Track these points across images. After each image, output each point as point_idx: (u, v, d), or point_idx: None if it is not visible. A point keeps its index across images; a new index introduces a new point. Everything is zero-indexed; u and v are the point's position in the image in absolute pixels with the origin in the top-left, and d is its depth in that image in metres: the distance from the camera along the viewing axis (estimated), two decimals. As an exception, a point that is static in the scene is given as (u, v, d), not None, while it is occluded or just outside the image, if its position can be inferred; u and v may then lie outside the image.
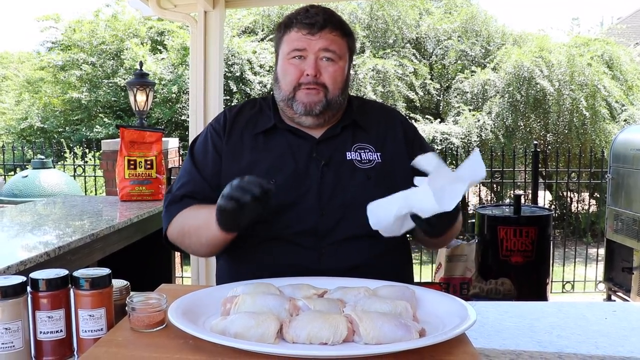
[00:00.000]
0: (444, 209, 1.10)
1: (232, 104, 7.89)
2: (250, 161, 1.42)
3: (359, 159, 1.42)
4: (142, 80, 4.39)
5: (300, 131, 1.45)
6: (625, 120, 8.04)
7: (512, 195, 5.14)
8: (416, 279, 4.58)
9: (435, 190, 1.10)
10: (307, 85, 1.38)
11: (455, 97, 8.91)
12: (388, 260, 1.35)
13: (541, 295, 4.23)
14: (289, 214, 1.32)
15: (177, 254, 4.24)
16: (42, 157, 5.39)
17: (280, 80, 1.43)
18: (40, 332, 1.00)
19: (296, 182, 1.38)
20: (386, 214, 1.17)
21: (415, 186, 1.15)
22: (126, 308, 1.03)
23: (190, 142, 1.62)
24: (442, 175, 1.12)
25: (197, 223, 1.35)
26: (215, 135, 1.48)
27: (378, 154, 1.44)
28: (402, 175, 1.43)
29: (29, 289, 1.00)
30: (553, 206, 8.11)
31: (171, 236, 1.45)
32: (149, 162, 3.18)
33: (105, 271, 1.05)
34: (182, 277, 5.22)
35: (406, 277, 1.34)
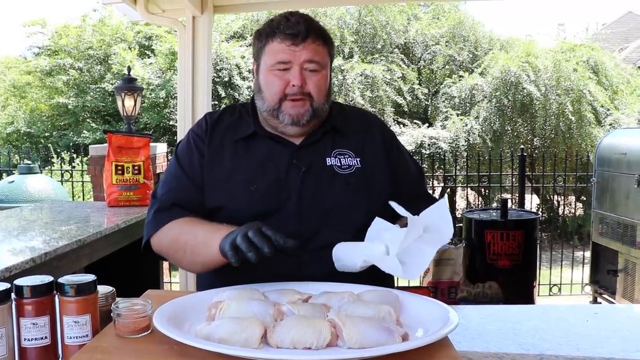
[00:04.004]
0: (410, 278, 1.13)
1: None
2: (231, 168, 1.42)
3: (339, 164, 1.43)
4: (129, 85, 4.37)
5: (281, 138, 1.45)
6: (610, 125, 8.13)
7: (499, 199, 5.18)
8: (404, 283, 4.58)
9: (402, 258, 1.13)
10: (293, 96, 1.38)
11: (443, 101, 8.97)
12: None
13: (528, 298, 4.26)
14: (270, 220, 1.32)
15: (166, 261, 4.22)
16: (29, 162, 5.35)
17: (264, 91, 1.42)
18: (25, 339, 1.00)
19: (277, 189, 1.39)
20: (351, 262, 1.21)
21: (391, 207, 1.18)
22: (111, 314, 1.03)
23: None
24: (411, 233, 1.14)
25: (195, 243, 1.33)
26: (199, 140, 1.48)
27: (357, 159, 1.45)
28: (382, 180, 1.45)
29: (13, 295, 1.00)
30: (540, 210, 8.18)
31: (157, 245, 1.43)
32: (136, 168, 3.18)
33: (90, 277, 1.05)
34: (170, 282, 5.20)
35: (387, 282, 1.35)
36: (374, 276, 1.23)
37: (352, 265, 1.21)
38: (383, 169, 1.47)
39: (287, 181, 1.40)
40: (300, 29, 1.37)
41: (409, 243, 1.14)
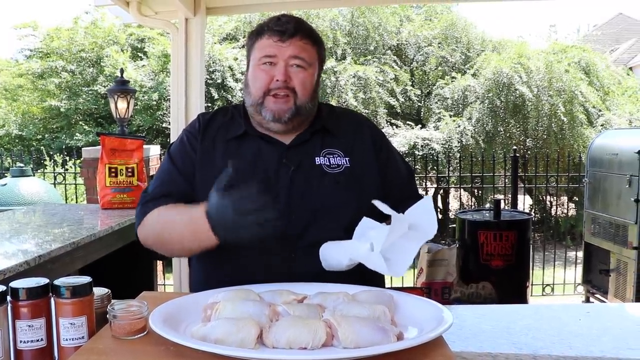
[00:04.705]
0: (395, 274, 1.15)
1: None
2: (222, 166, 1.43)
3: (328, 163, 1.45)
4: (122, 87, 4.37)
5: (271, 137, 1.47)
6: (602, 125, 8.19)
7: (492, 200, 5.20)
8: (398, 283, 4.59)
9: (387, 255, 1.14)
10: (277, 90, 1.40)
11: (436, 103, 9.00)
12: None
13: (521, 298, 4.29)
14: None
15: (160, 262, 4.21)
16: (22, 165, 5.32)
17: (250, 86, 1.45)
18: (21, 342, 1.00)
19: (266, 187, 1.40)
20: (338, 261, 1.23)
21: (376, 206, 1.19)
22: (107, 316, 1.04)
23: (169, 148, 1.64)
24: (395, 230, 1.15)
25: (179, 229, 1.34)
26: (192, 137, 1.51)
27: (347, 158, 1.47)
28: (371, 180, 1.47)
29: (8, 298, 1.00)
30: (533, 210, 8.22)
31: (144, 234, 1.44)
32: (130, 170, 3.17)
33: (86, 279, 1.05)
34: (164, 284, 5.19)
35: (376, 280, 1.36)
36: (365, 275, 1.24)
37: (338, 265, 1.23)
38: (372, 169, 1.49)
39: (277, 180, 1.42)
40: (289, 26, 1.41)
41: (393, 240, 1.15)
